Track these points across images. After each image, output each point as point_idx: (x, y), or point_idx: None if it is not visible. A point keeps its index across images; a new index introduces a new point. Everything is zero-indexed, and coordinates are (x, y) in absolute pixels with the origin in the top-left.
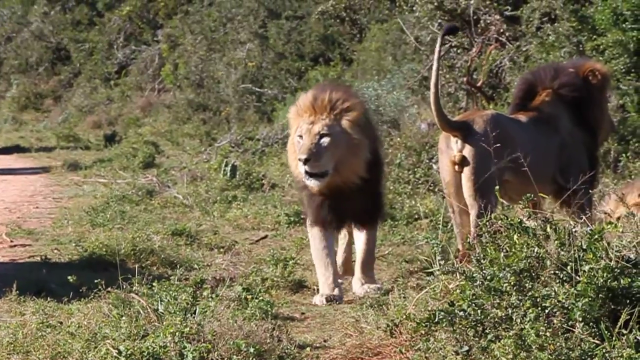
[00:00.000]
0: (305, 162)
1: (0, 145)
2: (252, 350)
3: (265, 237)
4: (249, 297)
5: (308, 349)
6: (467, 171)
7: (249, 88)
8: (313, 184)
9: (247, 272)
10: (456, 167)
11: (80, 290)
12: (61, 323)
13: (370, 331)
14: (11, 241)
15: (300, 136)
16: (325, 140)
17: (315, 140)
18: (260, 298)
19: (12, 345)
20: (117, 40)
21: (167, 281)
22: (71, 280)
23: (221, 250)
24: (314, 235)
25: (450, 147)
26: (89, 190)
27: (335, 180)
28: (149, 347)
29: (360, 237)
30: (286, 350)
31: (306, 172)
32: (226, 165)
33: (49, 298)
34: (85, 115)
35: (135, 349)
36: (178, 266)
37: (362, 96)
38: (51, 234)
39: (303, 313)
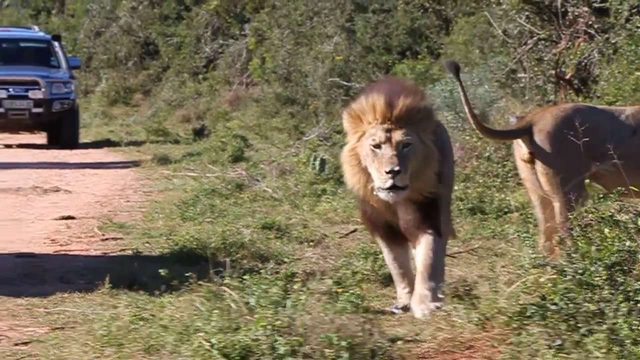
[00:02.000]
0: (396, 174)
1: (91, 140)
2: (343, 343)
3: (355, 230)
4: (340, 290)
5: (400, 342)
6: (539, 167)
7: (336, 82)
8: (392, 197)
9: (337, 266)
10: (528, 164)
11: (172, 284)
12: (153, 316)
13: (461, 325)
14: (103, 235)
15: (378, 145)
16: (408, 151)
17: (399, 150)
18: (351, 291)
19: (106, 338)
20: (204, 34)
21: (258, 274)
22: (163, 273)
23: (311, 243)
24: (383, 248)
25: (520, 145)
26: (178, 184)
27: (409, 194)
28: (241, 340)
29: (419, 250)
30: (378, 344)
31: (392, 186)
32: (315, 159)
33: (141, 291)
34: (174, 109)
35: (227, 342)
36: (268, 259)
37: (430, 99)
38: (142, 228)
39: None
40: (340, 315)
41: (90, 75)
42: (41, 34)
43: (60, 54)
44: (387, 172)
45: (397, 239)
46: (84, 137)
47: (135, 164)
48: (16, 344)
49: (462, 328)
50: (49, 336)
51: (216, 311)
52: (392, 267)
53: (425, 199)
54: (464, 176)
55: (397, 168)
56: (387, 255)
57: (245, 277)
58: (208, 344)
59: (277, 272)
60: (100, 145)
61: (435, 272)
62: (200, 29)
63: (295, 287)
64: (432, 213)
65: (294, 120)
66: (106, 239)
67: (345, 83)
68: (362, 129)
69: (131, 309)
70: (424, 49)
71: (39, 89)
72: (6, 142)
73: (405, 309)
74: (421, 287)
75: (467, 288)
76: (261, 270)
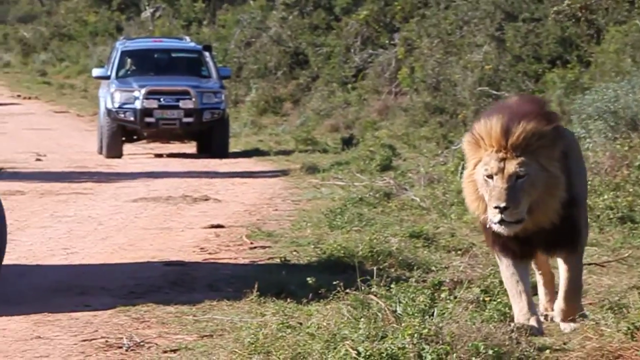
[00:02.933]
0: (503, 210)
1: (240, 149)
2: (490, 352)
3: None
4: (487, 299)
5: (547, 351)
6: None
7: (485, 91)
8: (505, 231)
9: (485, 274)
10: None
11: (319, 292)
12: (301, 324)
13: (610, 334)
14: (251, 243)
15: (490, 176)
16: (522, 183)
17: (511, 183)
18: (499, 300)
19: (253, 346)
20: (354, 44)
21: (405, 283)
22: (310, 281)
23: (458, 252)
24: (502, 264)
25: None
26: (326, 193)
27: (527, 225)
28: (388, 348)
29: (560, 266)
30: (525, 353)
31: (502, 221)
32: (463, 168)
33: (288, 299)
34: (322, 118)
35: (374, 350)
36: (415, 268)
37: (558, 117)
38: (290, 236)
39: (542, 314)
40: (488, 323)
41: (240, 85)
42: (192, 44)
43: (210, 64)
44: (495, 208)
45: (520, 255)
46: (234, 146)
47: (284, 173)
48: (165, 352)
49: (610, 337)
50: (197, 344)
51: (363, 319)
52: (510, 284)
53: (563, 222)
54: (614, 185)
55: (503, 204)
56: (506, 270)
57: (392, 285)
58: (355, 352)
59: (424, 281)
60: (249, 154)
61: (577, 289)
62: (350, 39)
63: (443, 295)
64: (568, 237)
65: (442, 129)
66: (254, 247)
67: (494, 92)
68: (479, 155)
69: (278, 317)
70: (574, 58)
71: (190, 99)
72: (157, 152)
73: (521, 328)
74: (566, 302)
75: (617, 297)
76: (408, 279)
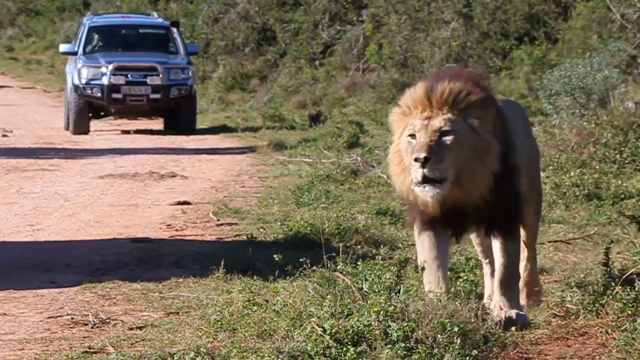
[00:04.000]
0: (425, 162)
1: (208, 125)
2: (456, 329)
3: None
4: (453, 276)
5: (513, 328)
6: None
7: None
8: (427, 194)
9: (451, 252)
10: None
11: (286, 269)
12: (267, 301)
13: (575, 311)
14: (218, 220)
15: (413, 135)
16: (448, 139)
17: (434, 137)
18: (464, 277)
19: (220, 323)
20: (322, 20)
21: (372, 260)
22: (277, 258)
23: None
24: (422, 240)
25: None
26: (294, 170)
27: (455, 194)
28: (354, 325)
29: (495, 252)
30: (490, 330)
31: (423, 178)
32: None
33: (254, 276)
34: (290, 95)
35: (340, 327)
36: (382, 245)
37: (491, 88)
38: (257, 213)
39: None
40: (454, 300)
41: (208, 61)
42: (160, 20)
43: (178, 40)
44: (415, 160)
45: (447, 230)
46: (201, 123)
47: (251, 149)
48: (130, 329)
49: (575, 315)
50: (163, 321)
51: (329, 297)
52: (428, 270)
53: (489, 201)
54: (580, 162)
55: (423, 154)
56: (426, 252)
57: (358, 262)
58: (321, 329)
59: (390, 258)
60: (216, 131)
61: (515, 275)
62: (318, 15)
63: (409, 273)
64: (502, 217)
65: None
66: (221, 224)
67: None
68: (405, 123)
69: (245, 294)
70: (542, 35)
71: (157, 75)
72: (124, 128)
73: None
74: (502, 290)
75: (582, 275)
76: (375, 256)
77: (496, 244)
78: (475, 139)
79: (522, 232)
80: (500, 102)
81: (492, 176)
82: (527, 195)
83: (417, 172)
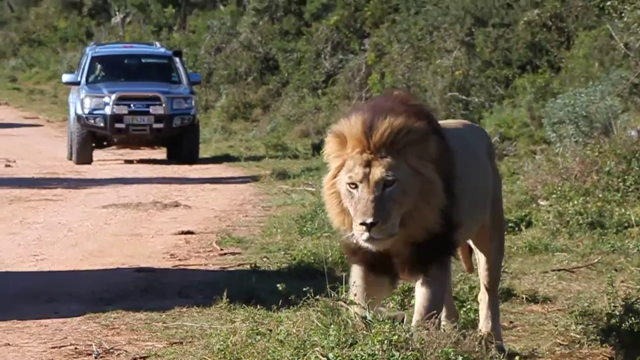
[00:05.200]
0: (371, 227)
1: (211, 155)
2: (460, 358)
3: None
4: (457, 305)
5: (517, 357)
6: None
7: (456, 96)
8: (374, 248)
9: (454, 281)
10: None
11: (289, 298)
12: (270, 330)
13: (579, 340)
14: (221, 249)
15: (354, 185)
16: (391, 191)
17: (378, 192)
18: (468, 307)
19: (223, 352)
20: (324, 49)
21: None
22: (280, 288)
23: None
24: (354, 273)
25: None
26: (297, 199)
27: (401, 238)
28: (358, 355)
29: (418, 290)
30: (494, 359)
31: (369, 238)
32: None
33: (258, 306)
34: (293, 124)
35: (344, 356)
36: None
37: (428, 111)
38: (260, 242)
39: (511, 322)
40: (457, 330)
41: (211, 90)
42: (162, 50)
43: (181, 69)
44: (363, 225)
45: (379, 271)
46: (204, 152)
47: (254, 178)
48: (134, 359)
49: (579, 344)
50: (166, 350)
51: (333, 326)
52: (351, 296)
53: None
54: (583, 190)
55: (370, 220)
56: (358, 284)
57: None
58: (325, 358)
59: (394, 287)
60: (219, 160)
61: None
62: (320, 44)
63: (412, 302)
64: (437, 251)
65: None
66: (224, 254)
67: (464, 97)
68: (342, 159)
69: (248, 324)
70: (544, 63)
71: (160, 105)
72: (127, 158)
73: None
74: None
75: (586, 303)
76: None
77: (418, 286)
78: (419, 181)
79: (483, 273)
80: (460, 127)
81: (440, 214)
82: (490, 230)
83: (363, 235)
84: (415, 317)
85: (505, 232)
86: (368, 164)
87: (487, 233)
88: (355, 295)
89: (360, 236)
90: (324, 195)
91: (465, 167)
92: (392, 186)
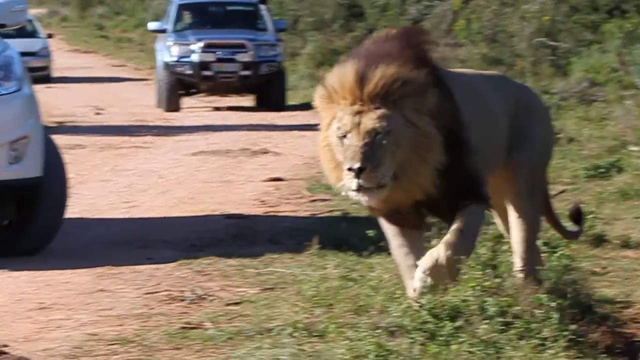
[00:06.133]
0: (359, 172)
1: (298, 102)
2: (553, 304)
3: (564, 191)
4: (549, 251)
5: (608, 305)
6: None
7: (543, 42)
8: (365, 200)
9: (546, 227)
10: None
11: (380, 245)
12: (362, 277)
13: None
14: (311, 196)
15: (344, 135)
16: (383, 140)
17: (368, 140)
18: (561, 252)
19: (316, 298)
20: None
21: None
22: (371, 234)
23: None
24: (386, 230)
25: None
26: None
27: (395, 196)
28: (450, 300)
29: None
30: (588, 304)
31: (359, 188)
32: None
33: (349, 252)
34: None
35: (436, 302)
36: None
37: (430, 56)
38: None
39: (604, 267)
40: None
41: (296, 38)
42: None
43: (266, 16)
44: (349, 170)
45: (409, 221)
46: (291, 99)
47: None
48: (227, 304)
49: None
50: (259, 296)
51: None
52: (400, 257)
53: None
54: None
55: (358, 165)
56: (394, 240)
57: None
58: (417, 304)
59: (485, 233)
60: (307, 107)
61: (465, 239)
62: None
63: (504, 247)
64: (469, 189)
65: None
66: (314, 200)
67: (551, 43)
68: (333, 112)
69: (340, 270)
70: (632, 8)
71: (247, 52)
72: (216, 105)
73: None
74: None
75: None
76: None
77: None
78: (414, 133)
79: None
80: (478, 77)
81: (436, 172)
82: (521, 200)
83: (352, 182)
84: (450, 238)
85: (596, 178)
86: (359, 114)
87: (517, 202)
88: (402, 260)
89: (350, 186)
90: (320, 151)
91: (468, 118)
92: (383, 135)
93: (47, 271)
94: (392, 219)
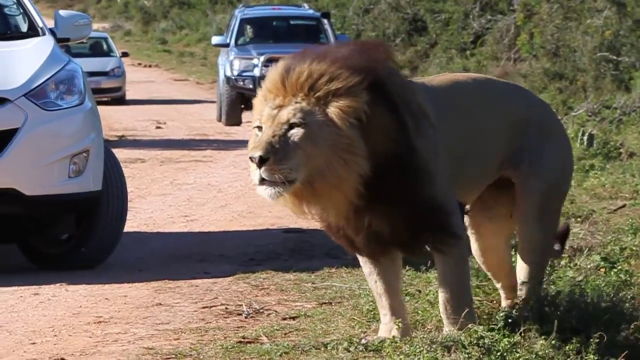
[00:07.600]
0: (261, 162)
1: None
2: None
3: (624, 206)
4: (607, 266)
5: None
6: None
7: (605, 56)
8: (268, 194)
9: (605, 242)
10: None
11: None
12: (420, 291)
13: None
14: None
15: (260, 127)
16: (297, 133)
17: (279, 131)
18: (619, 267)
19: (372, 313)
20: (472, 10)
21: None
22: (429, 249)
23: (578, 219)
24: (359, 259)
25: None
26: None
27: (305, 196)
28: (507, 315)
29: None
30: None
31: (260, 180)
32: (583, 134)
33: (406, 266)
34: None
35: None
36: None
37: (380, 67)
38: None
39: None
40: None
41: None
42: (311, 11)
43: (329, 31)
44: (251, 160)
45: (368, 250)
46: None
47: None
48: (284, 319)
49: None
50: (316, 311)
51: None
52: (371, 284)
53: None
54: None
55: (258, 154)
56: (364, 267)
57: None
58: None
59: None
60: None
61: (459, 296)
62: (468, 5)
63: (562, 262)
64: (433, 218)
65: (562, 96)
66: None
67: (614, 57)
68: (262, 109)
69: None
70: None
71: None
72: None
73: (367, 346)
74: (446, 314)
75: None
76: None
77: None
78: (335, 134)
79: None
80: (472, 83)
81: (359, 179)
82: (531, 225)
83: (254, 174)
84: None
85: None
86: (279, 107)
87: (524, 226)
88: (373, 287)
89: (252, 178)
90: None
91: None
92: (297, 129)
93: (104, 285)
94: (345, 244)
